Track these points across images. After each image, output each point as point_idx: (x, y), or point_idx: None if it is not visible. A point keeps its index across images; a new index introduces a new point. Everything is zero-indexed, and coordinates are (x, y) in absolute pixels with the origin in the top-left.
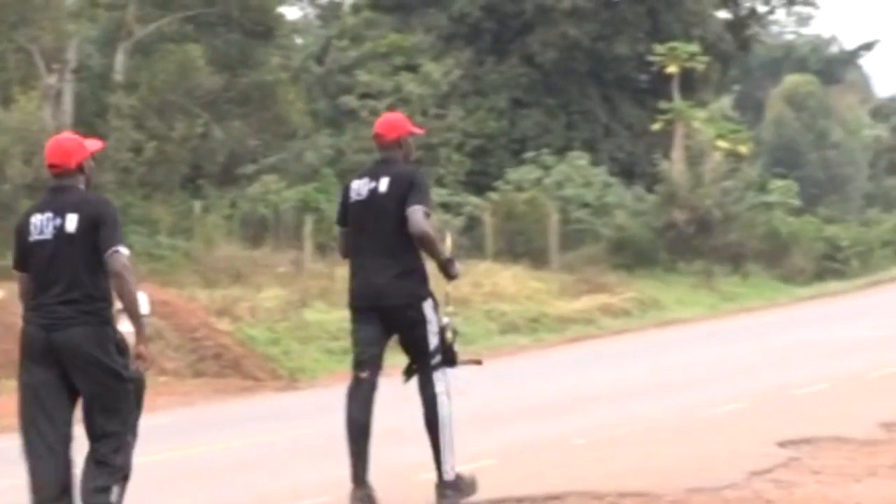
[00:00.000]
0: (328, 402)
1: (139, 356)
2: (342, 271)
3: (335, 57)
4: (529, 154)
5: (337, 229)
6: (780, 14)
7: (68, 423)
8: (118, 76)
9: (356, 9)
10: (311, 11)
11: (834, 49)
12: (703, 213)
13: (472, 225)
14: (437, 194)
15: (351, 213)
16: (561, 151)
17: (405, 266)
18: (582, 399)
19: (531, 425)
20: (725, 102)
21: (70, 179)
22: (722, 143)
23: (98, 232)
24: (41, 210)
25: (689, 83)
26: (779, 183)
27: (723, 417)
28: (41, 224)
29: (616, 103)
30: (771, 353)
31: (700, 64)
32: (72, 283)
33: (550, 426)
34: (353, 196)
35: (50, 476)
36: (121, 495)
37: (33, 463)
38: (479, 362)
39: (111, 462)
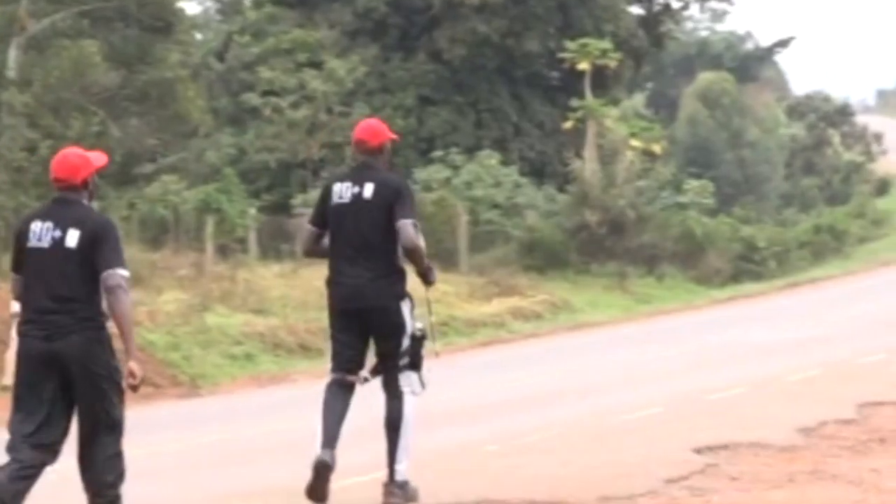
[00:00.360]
0: (231, 408)
1: (130, 374)
2: (245, 274)
3: (237, 53)
4: (438, 153)
5: (308, 228)
6: (695, 10)
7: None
8: (11, 73)
9: (258, 4)
10: (212, 6)
11: (749, 46)
12: (616, 213)
13: None
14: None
15: (332, 216)
16: (470, 150)
17: (385, 268)
18: (494, 405)
19: (442, 432)
20: (638, 100)
21: (74, 194)
22: (635, 142)
23: (98, 250)
24: (42, 218)
25: (602, 80)
26: (694, 183)
27: (637, 423)
28: (40, 231)
29: (526, 101)
30: (687, 356)
31: (612, 61)
32: (65, 294)
33: (462, 433)
34: (335, 199)
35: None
36: None
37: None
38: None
39: (107, 475)
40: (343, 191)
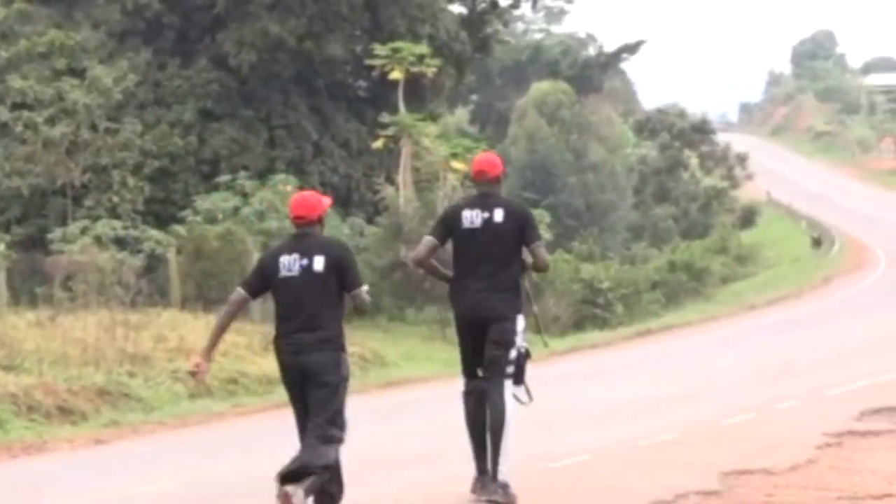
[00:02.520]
0: None
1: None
2: None
3: None
4: (223, 178)
5: (429, 239)
6: (526, 9)
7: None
8: None
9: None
10: None
11: (591, 51)
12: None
13: (154, 265)
14: (111, 227)
15: (460, 239)
16: (262, 174)
17: (508, 283)
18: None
19: None
20: (461, 115)
21: (311, 228)
22: (458, 165)
23: (342, 273)
24: (288, 252)
25: (418, 92)
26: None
27: (458, 497)
28: (289, 263)
29: (329, 116)
30: (520, 418)
31: (430, 68)
32: (313, 314)
33: None
34: (466, 224)
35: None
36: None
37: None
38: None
39: (317, 455)
40: (473, 217)
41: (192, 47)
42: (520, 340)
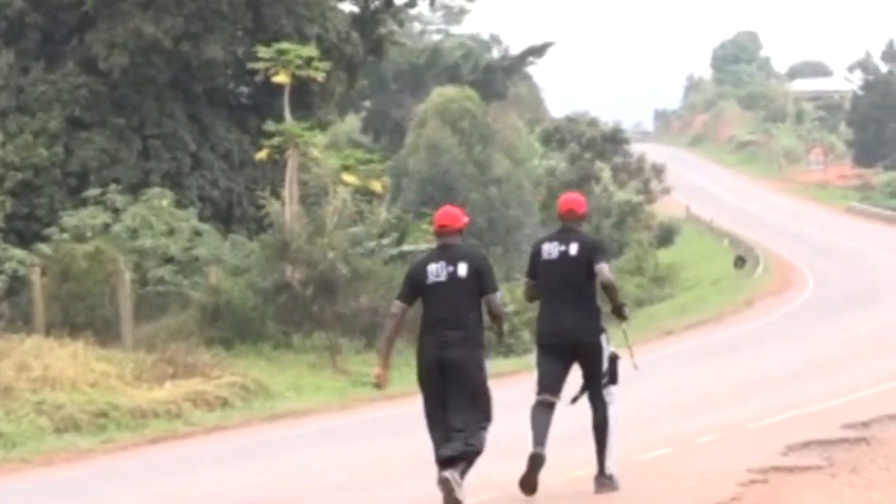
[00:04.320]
0: None
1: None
2: None
3: None
4: (92, 192)
5: (528, 281)
6: (423, 7)
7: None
8: None
9: None
10: None
11: (494, 54)
12: (326, 269)
13: (16, 287)
14: None
15: (542, 270)
16: (135, 188)
17: (588, 309)
18: None
19: None
20: (353, 123)
21: (453, 238)
22: (349, 178)
23: (481, 279)
24: (435, 260)
25: (305, 98)
26: (426, 228)
27: None
28: (437, 270)
29: (208, 124)
30: (415, 455)
31: (319, 72)
32: (456, 315)
33: None
34: (545, 256)
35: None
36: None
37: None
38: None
39: (471, 440)
40: (552, 249)
41: (59, 49)
42: (607, 351)
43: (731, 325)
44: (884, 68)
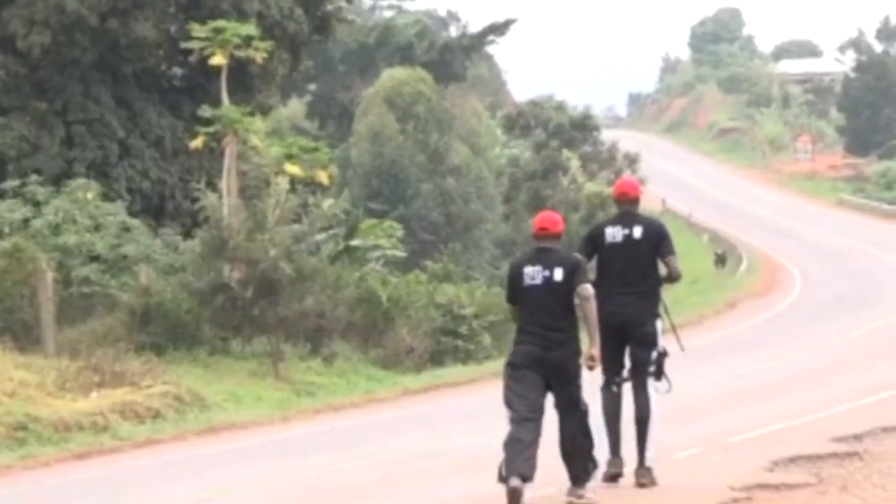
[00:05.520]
0: None
1: (591, 358)
2: None
3: None
4: (11, 183)
5: (591, 266)
6: None
7: (540, 405)
8: None
9: None
10: None
11: (452, 32)
12: (267, 268)
13: None
14: None
15: (605, 253)
16: (57, 179)
17: (648, 292)
18: None
19: None
20: (297, 108)
21: (552, 242)
22: (292, 168)
23: (575, 276)
24: (532, 263)
25: (244, 80)
26: (373, 222)
27: None
28: (533, 273)
29: (137, 109)
30: (368, 470)
31: (259, 52)
32: (553, 316)
33: None
34: (609, 240)
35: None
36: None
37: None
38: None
39: (580, 432)
40: (615, 233)
41: None
42: (660, 342)
43: (711, 328)
44: (878, 48)
